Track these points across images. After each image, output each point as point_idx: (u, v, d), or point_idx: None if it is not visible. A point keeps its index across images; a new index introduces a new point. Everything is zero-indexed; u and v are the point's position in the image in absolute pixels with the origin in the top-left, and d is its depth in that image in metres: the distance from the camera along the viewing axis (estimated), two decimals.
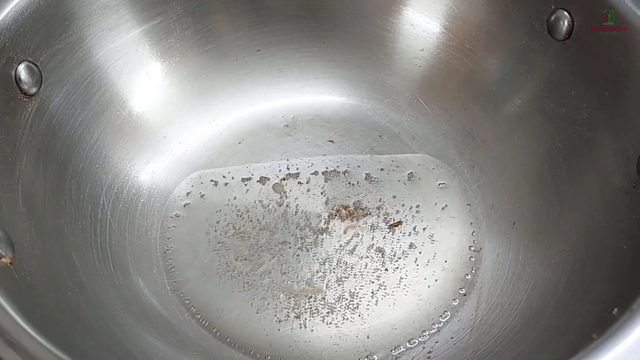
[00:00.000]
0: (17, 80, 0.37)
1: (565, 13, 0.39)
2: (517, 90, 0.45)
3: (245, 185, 0.47)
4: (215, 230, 0.44)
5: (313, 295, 0.41)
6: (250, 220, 0.45)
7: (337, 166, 0.47)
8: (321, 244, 0.43)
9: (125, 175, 0.45)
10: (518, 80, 0.44)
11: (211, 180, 0.47)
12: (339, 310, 0.40)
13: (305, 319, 0.40)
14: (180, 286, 0.42)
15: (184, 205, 0.46)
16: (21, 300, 0.30)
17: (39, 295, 0.32)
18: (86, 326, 0.34)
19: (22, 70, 0.37)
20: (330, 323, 0.40)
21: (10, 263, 0.32)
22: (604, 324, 0.30)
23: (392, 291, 0.41)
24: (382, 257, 0.43)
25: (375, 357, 0.39)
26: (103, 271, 0.39)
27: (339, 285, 0.41)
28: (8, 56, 0.37)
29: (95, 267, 0.39)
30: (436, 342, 0.39)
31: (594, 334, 0.30)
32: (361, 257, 0.43)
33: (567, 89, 0.41)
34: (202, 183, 0.47)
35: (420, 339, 0.39)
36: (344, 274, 0.42)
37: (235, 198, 0.46)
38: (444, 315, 0.40)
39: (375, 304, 0.40)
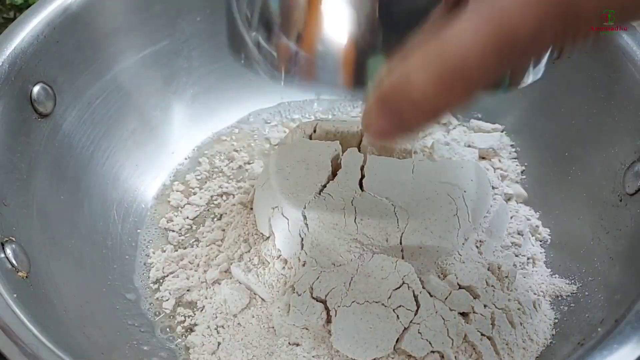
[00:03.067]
0: (32, 101, 0.38)
1: None
2: (510, 108, 0.47)
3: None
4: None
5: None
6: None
7: None
8: None
9: (134, 190, 0.46)
10: (510, 98, 0.45)
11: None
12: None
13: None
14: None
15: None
16: (37, 313, 0.31)
17: (54, 307, 0.33)
18: (99, 338, 0.35)
19: (37, 92, 0.38)
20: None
21: (26, 276, 0.33)
22: (592, 334, 0.31)
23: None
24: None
25: None
26: (114, 284, 0.40)
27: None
28: (24, 78, 0.38)
29: (107, 280, 0.40)
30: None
31: (582, 343, 0.31)
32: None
33: (556, 106, 0.43)
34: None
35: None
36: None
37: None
38: None
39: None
